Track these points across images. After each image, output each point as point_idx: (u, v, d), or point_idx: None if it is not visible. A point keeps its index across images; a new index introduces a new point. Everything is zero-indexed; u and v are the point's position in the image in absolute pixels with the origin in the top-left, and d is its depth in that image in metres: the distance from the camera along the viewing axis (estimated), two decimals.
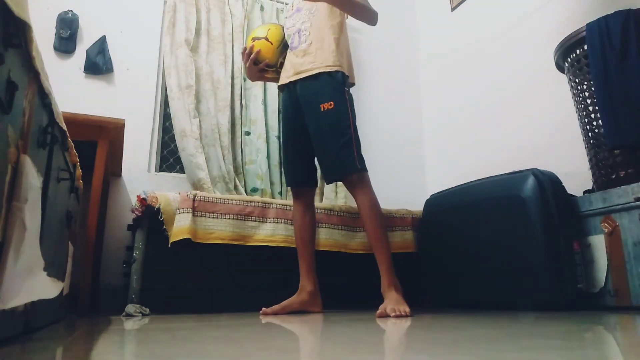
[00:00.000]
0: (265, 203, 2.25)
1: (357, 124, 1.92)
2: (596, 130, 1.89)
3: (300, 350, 0.83)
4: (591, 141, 1.92)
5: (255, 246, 2.17)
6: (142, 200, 2.01)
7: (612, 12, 1.84)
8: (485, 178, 2.16)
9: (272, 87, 2.96)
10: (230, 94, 2.86)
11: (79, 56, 2.67)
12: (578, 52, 1.96)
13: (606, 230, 1.75)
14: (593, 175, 1.94)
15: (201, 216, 2.07)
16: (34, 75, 0.87)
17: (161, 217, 2.00)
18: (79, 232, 1.94)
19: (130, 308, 1.84)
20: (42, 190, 0.98)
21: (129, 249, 2.19)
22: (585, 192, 1.93)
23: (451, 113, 3.23)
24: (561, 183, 1.92)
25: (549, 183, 1.87)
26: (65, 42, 2.64)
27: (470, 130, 3.01)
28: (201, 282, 2.30)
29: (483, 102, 2.93)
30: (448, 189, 2.41)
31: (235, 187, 2.71)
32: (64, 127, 1.21)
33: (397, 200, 2.82)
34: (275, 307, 1.86)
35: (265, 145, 2.84)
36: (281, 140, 2.20)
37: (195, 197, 2.08)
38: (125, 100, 2.68)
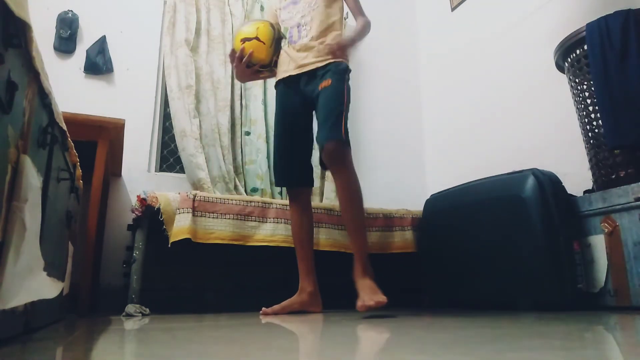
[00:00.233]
0: (265, 203, 2.25)
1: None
2: (596, 130, 1.89)
3: (300, 350, 0.83)
4: (591, 141, 1.92)
5: (255, 246, 2.17)
6: (142, 200, 2.02)
7: (612, 12, 1.84)
8: (485, 178, 2.16)
9: (272, 87, 2.96)
10: (230, 94, 2.86)
11: (79, 56, 2.67)
12: (578, 52, 1.96)
13: (606, 230, 1.75)
14: (593, 175, 1.94)
15: (201, 216, 2.07)
16: (34, 75, 0.87)
17: (161, 217, 2.00)
18: (79, 232, 1.94)
19: (130, 308, 1.84)
20: (42, 190, 0.98)
21: (129, 249, 2.19)
22: (585, 192, 1.93)
23: (451, 113, 3.23)
24: (561, 183, 1.92)
25: (549, 183, 1.87)
26: (65, 42, 2.64)
27: (470, 130, 3.01)
28: (201, 282, 2.30)
29: (483, 102, 2.93)
30: (448, 189, 2.41)
31: (235, 187, 2.71)
32: (64, 127, 1.21)
33: (397, 200, 2.82)
34: (276, 307, 1.86)
35: (265, 145, 2.84)
36: (274, 138, 2.12)
37: (195, 197, 2.08)
38: (125, 100, 2.68)
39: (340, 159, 1.79)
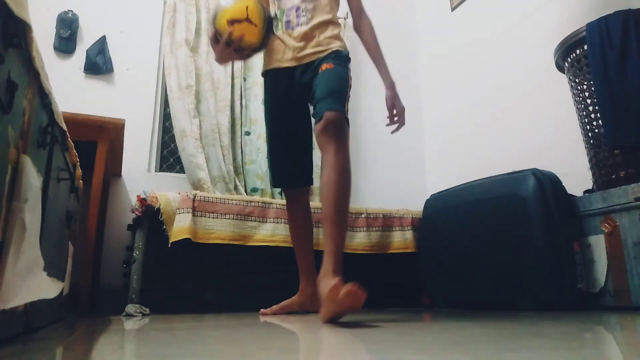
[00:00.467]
0: (265, 203, 2.25)
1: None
2: (596, 130, 1.89)
3: (300, 350, 0.83)
4: (591, 141, 1.92)
5: (255, 246, 2.17)
6: (142, 200, 2.02)
7: (612, 12, 1.84)
8: (485, 178, 2.16)
9: None
10: (230, 94, 2.86)
11: (79, 56, 2.67)
12: (578, 52, 1.96)
13: (606, 230, 1.75)
14: (593, 175, 1.94)
15: (201, 216, 2.07)
16: (34, 75, 0.87)
17: (161, 217, 2.00)
18: (79, 232, 1.94)
19: (130, 308, 1.84)
20: (42, 190, 0.98)
21: (129, 249, 2.19)
22: (585, 192, 1.93)
23: (451, 113, 3.23)
24: (561, 183, 1.92)
25: (549, 183, 1.87)
26: (65, 42, 2.64)
27: (471, 130, 3.01)
28: (201, 282, 2.30)
29: (483, 102, 2.93)
30: (448, 189, 2.41)
31: (235, 187, 2.71)
32: (64, 127, 1.21)
33: (397, 200, 2.82)
34: (275, 308, 1.85)
35: (265, 145, 2.84)
36: (267, 135, 1.94)
37: (195, 197, 2.08)
38: (125, 100, 2.69)
39: (339, 131, 1.57)
